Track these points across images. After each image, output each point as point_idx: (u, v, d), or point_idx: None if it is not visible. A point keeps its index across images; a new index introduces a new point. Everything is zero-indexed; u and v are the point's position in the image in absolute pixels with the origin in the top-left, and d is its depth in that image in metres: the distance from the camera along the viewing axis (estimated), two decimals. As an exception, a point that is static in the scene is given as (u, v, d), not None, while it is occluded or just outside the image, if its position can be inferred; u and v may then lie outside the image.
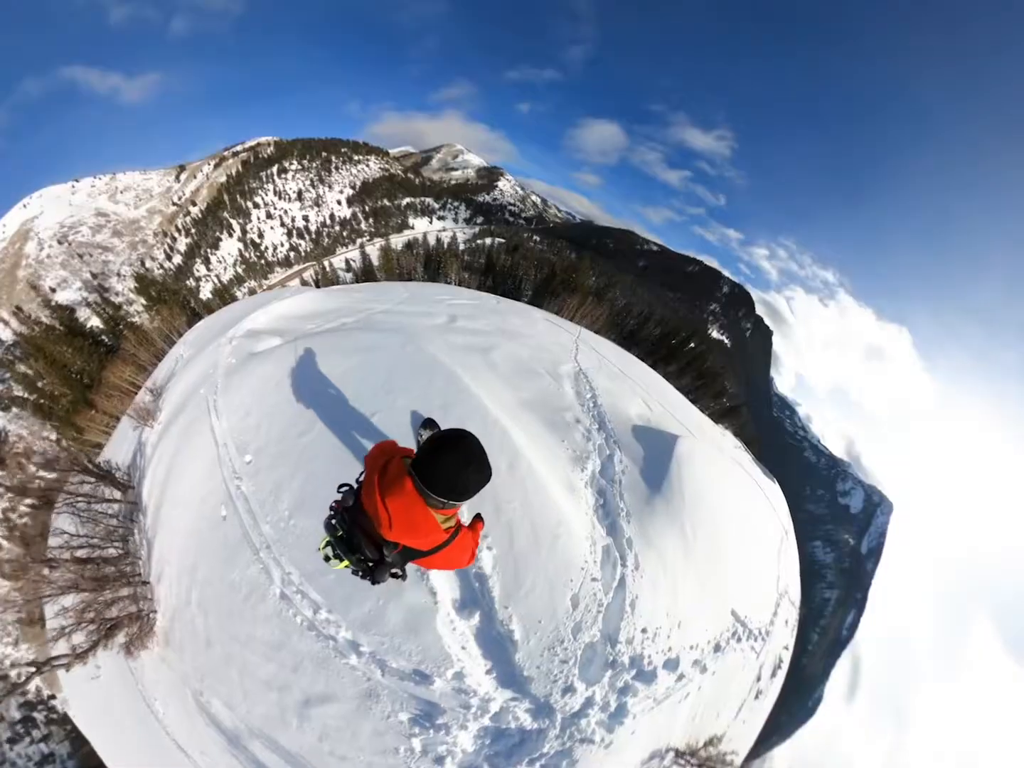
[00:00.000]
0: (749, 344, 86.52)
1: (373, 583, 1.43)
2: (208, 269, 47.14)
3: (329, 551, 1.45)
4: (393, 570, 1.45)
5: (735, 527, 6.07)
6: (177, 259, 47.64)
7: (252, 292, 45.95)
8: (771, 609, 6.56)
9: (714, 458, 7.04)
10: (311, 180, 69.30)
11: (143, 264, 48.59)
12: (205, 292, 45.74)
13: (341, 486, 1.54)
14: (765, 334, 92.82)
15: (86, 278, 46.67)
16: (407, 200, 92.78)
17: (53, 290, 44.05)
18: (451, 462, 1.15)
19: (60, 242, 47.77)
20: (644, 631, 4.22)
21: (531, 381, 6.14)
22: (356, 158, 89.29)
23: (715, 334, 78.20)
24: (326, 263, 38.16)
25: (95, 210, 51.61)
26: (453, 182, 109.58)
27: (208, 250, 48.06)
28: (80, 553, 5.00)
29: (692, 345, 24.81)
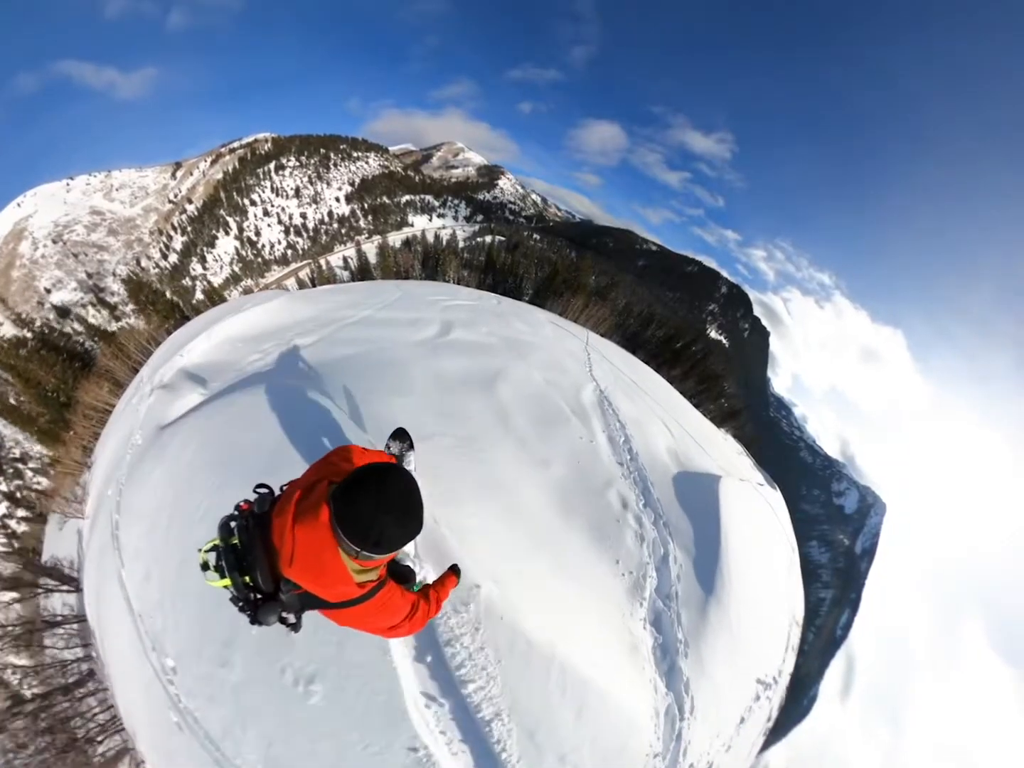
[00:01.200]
0: (747, 345, 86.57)
1: (252, 622, 1.06)
2: (204, 268, 46.34)
3: (211, 558, 1.09)
4: (285, 614, 1.10)
5: (760, 577, 5.50)
6: (173, 258, 46.87)
7: (248, 291, 45.40)
8: (783, 646, 5.97)
9: (745, 497, 6.23)
10: (309, 177, 68.24)
11: (139, 263, 47.89)
12: (200, 292, 45.12)
13: (259, 486, 1.22)
14: (762, 335, 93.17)
15: (81, 278, 45.98)
16: (407, 198, 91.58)
17: (48, 291, 43.39)
18: (367, 505, 0.89)
19: (55, 241, 46.99)
20: (691, 766, 3.84)
21: (556, 430, 4.95)
22: (355, 155, 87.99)
23: (713, 334, 77.94)
24: (322, 261, 37.53)
25: (90, 208, 50.73)
26: (453, 180, 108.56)
27: (204, 248, 47.24)
28: (38, 690, 3.86)
29: (695, 348, 24.49)
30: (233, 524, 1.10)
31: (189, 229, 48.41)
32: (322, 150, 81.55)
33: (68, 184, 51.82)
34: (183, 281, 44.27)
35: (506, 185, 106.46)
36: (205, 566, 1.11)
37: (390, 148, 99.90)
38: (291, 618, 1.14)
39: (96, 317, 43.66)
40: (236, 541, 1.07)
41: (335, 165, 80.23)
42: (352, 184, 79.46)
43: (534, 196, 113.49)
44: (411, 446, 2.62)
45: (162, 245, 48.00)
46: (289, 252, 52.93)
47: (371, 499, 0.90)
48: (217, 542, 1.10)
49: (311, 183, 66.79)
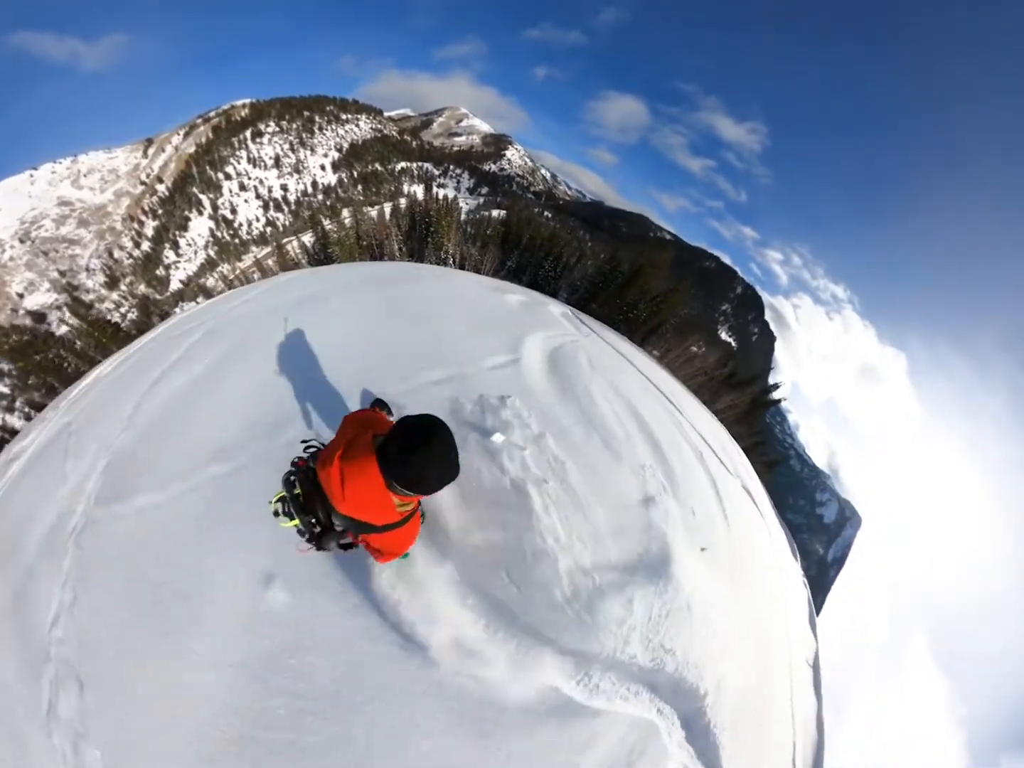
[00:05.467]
0: (753, 348, 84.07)
1: (318, 548, 1.32)
2: (177, 255, 40.28)
3: (280, 507, 1.33)
4: (342, 541, 1.35)
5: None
6: (146, 246, 41.00)
7: (225, 278, 39.22)
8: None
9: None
10: (290, 143, 59.26)
11: (111, 255, 42.42)
12: (175, 283, 39.41)
13: (307, 446, 1.44)
14: (769, 339, 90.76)
15: (54, 277, 41.23)
16: (402, 164, 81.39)
17: (21, 296, 39.00)
18: (423, 460, 1.01)
19: (22, 240, 41.99)
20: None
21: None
22: (344, 117, 77.51)
23: (724, 335, 74.65)
24: (292, 244, 29.45)
25: (57, 199, 45.04)
26: (456, 148, 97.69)
27: (176, 232, 40.92)
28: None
29: (766, 396, 16.23)
30: (293, 478, 1.28)
31: (160, 212, 41.98)
32: (305, 113, 71.44)
33: (32, 175, 45.98)
34: (156, 271, 38.58)
35: (514, 156, 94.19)
36: (276, 514, 1.32)
37: (385, 113, 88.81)
38: (349, 542, 1.37)
39: (72, 319, 39.22)
40: (298, 491, 1.26)
41: (320, 129, 70.29)
42: (340, 150, 69.71)
43: (543, 171, 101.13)
44: (390, 412, 2.22)
45: (134, 233, 42.03)
46: (269, 230, 45.74)
47: (425, 455, 1.00)
48: (283, 494, 1.30)
49: (292, 150, 57.94)
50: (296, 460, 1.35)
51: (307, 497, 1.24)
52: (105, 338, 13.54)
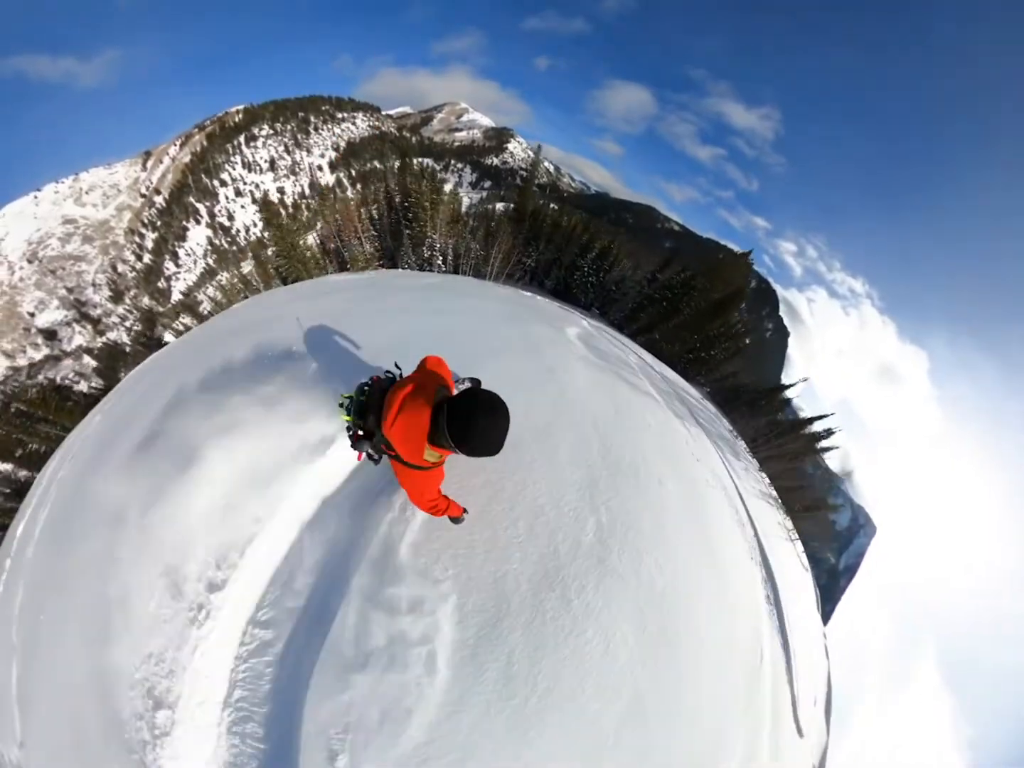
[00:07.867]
0: (766, 345, 79.01)
1: (351, 446, 1.56)
2: (177, 265, 39.47)
3: (347, 403, 1.58)
4: (372, 452, 1.57)
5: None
6: (147, 258, 40.35)
7: (222, 287, 38.16)
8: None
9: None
10: (285, 145, 57.65)
11: (115, 269, 42.02)
12: (176, 294, 38.61)
13: (387, 372, 1.67)
14: (783, 336, 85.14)
15: (62, 295, 41.21)
16: (402, 161, 79.03)
17: (32, 315, 39.08)
18: (477, 424, 1.18)
19: (30, 261, 42.03)
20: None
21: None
22: (340, 116, 75.44)
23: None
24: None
25: (62, 218, 44.91)
26: (457, 143, 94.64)
27: (175, 243, 40.08)
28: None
29: (821, 441, 12.79)
30: (366, 388, 1.53)
31: (159, 223, 41.19)
32: (300, 113, 69.68)
33: (36, 197, 45.96)
34: (158, 283, 37.86)
35: (516, 149, 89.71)
36: (341, 405, 1.60)
37: (384, 111, 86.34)
38: (375, 456, 1.61)
39: (83, 334, 39.08)
40: (363, 398, 1.52)
41: (316, 129, 68.43)
42: (337, 149, 67.79)
43: (547, 164, 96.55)
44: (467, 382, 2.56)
45: (135, 246, 41.43)
46: (267, 235, 44.50)
47: (480, 420, 1.18)
48: (352, 395, 1.56)
49: (288, 152, 56.34)
50: (374, 376, 1.58)
51: (367, 406, 1.50)
52: (51, 413, 9.15)
